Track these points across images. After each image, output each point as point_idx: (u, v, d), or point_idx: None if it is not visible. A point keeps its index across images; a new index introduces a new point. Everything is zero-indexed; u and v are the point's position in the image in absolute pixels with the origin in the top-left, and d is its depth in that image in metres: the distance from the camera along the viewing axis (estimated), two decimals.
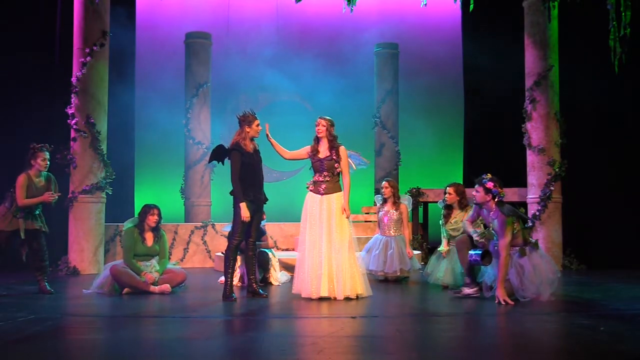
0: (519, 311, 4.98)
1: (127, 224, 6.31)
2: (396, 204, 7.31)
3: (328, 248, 5.63)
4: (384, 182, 7.48)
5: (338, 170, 5.82)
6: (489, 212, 5.53)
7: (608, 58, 6.81)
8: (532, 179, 8.61)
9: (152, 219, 6.24)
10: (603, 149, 8.80)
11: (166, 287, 6.06)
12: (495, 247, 5.46)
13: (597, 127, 8.80)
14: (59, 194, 6.25)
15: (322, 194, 5.78)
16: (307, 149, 5.95)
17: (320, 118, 5.92)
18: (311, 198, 5.83)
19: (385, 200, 7.37)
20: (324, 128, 5.84)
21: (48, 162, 6.18)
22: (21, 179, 6.04)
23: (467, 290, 5.68)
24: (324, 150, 5.84)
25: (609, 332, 4.10)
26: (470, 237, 5.75)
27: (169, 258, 6.75)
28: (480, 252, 5.44)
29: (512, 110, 9.01)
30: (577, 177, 8.54)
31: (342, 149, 5.84)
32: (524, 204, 8.80)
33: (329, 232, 5.66)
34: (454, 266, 6.36)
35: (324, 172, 5.81)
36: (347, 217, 5.75)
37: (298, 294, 5.74)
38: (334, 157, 5.80)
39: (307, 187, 5.90)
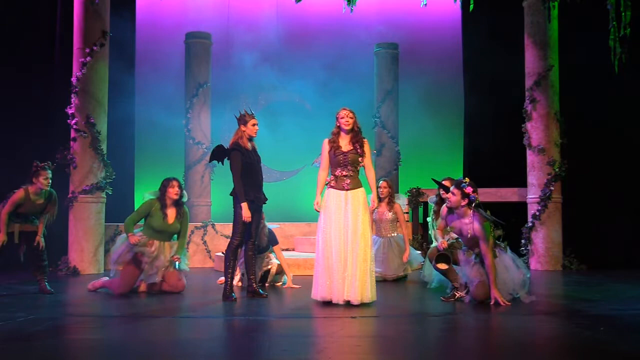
0: (519, 312, 4.98)
1: (149, 195, 6.19)
2: (390, 204, 7.30)
3: (354, 247, 5.24)
4: (381, 182, 7.43)
5: (362, 164, 5.44)
6: (461, 217, 5.43)
7: (608, 58, 6.81)
8: (532, 179, 8.61)
9: (172, 192, 6.10)
10: (603, 149, 8.80)
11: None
12: (472, 256, 5.48)
13: (597, 127, 8.80)
14: (43, 239, 6.14)
15: (346, 190, 5.35)
16: (325, 147, 5.46)
17: (344, 110, 5.45)
18: (334, 194, 5.36)
19: (380, 200, 7.35)
20: (352, 120, 5.40)
21: (50, 181, 6.04)
22: (18, 196, 5.91)
23: (458, 294, 5.62)
24: (345, 144, 5.40)
25: (609, 332, 4.10)
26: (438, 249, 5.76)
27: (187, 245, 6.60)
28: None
29: (512, 110, 9.01)
30: (577, 177, 8.54)
31: (366, 142, 5.45)
32: (524, 204, 8.80)
33: (355, 230, 5.26)
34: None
35: (348, 167, 5.37)
36: (372, 211, 5.53)
37: (322, 299, 5.28)
38: (359, 151, 5.39)
39: (328, 184, 5.44)
